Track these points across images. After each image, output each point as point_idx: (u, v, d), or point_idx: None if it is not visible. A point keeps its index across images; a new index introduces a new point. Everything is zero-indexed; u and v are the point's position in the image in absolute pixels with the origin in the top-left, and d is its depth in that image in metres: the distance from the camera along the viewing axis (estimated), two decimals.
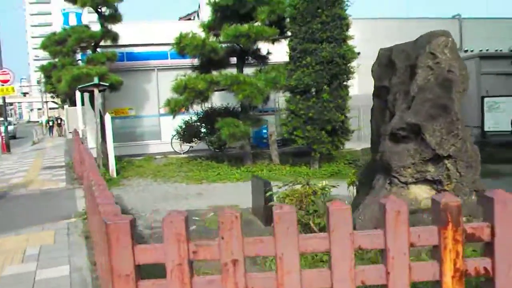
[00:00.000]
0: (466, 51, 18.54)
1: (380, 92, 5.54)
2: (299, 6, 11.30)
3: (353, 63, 11.57)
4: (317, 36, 11.24)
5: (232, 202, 8.82)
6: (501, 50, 17.89)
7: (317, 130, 11.46)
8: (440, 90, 4.79)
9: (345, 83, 11.66)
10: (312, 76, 11.23)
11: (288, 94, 12.14)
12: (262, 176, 11.47)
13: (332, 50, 11.17)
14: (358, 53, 12.22)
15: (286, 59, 12.41)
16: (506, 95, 14.95)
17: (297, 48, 11.55)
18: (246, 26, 11.21)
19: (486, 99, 14.75)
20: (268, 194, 5.40)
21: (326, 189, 5.25)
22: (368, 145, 15.77)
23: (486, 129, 14.78)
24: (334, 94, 11.48)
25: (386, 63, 5.43)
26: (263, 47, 13.23)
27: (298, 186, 5.48)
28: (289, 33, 12.27)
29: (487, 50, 17.76)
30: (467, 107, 16.98)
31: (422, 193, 5.04)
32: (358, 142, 15.78)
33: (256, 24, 11.55)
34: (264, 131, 16.14)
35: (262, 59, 13.39)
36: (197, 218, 7.03)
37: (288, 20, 12.03)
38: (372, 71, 5.68)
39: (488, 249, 2.27)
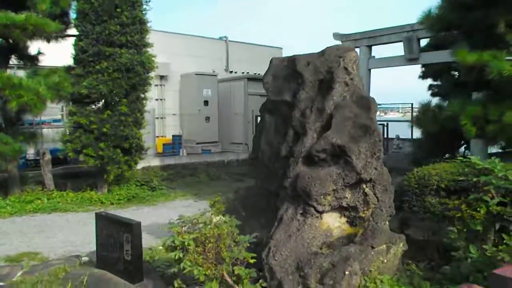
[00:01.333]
0: (231, 72, 19.55)
1: (276, 107, 4.80)
2: (94, 1, 9.47)
3: (152, 74, 10.40)
4: (115, 39, 9.63)
5: (24, 248, 6.49)
6: (259, 74, 19.58)
7: (112, 148, 9.78)
8: (359, 108, 4.40)
9: (143, 95, 10.36)
10: (109, 84, 9.52)
11: (72, 104, 10.00)
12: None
13: (132, 56, 9.75)
14: None
15: (62, 62, 10.27)
16: None
17: (89, 51, 9.63)
18: (23, 15, 8.65)
19: (259, 118, 15.65)
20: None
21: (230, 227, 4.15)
22: (150, 163, 14.53)
23: None
24: (132, 107, 10.05)
25: (286, 74, 4.75)
26: (33, 45, 10.60)
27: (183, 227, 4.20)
28: (73, 31, 10.19)
29: (247, 72, 19.13)
30: (234, 125, 17.83)
31: (333, 222, 4.53)
32: None
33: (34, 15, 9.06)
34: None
35: (31, 60, 10.71)
36: (1, 284, 4.71)
37: (75, 16, 9.96)
38: (265, 82, 4.89)
39: None
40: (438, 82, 21.37)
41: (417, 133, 20.01)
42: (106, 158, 9.71)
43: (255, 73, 19.51)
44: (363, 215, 4.43)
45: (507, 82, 5.66)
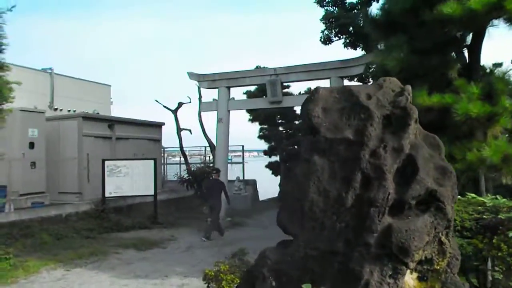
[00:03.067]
0: (56, 109, 16.68)
1: (331, 147, 3.93)
2: None
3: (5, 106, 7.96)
4: None
5: None
6: (87, 112, 17.21)
7: None
8: (429, 148, 3.96)
9: None
10: None
11: None
12: None
13: None
14: None
15: None
16: (127, 159, 14.47)
17: None
18: None
19: (107, 162, 13.63)
20: None
21: None
22: None
23: (107, 194, 13.55)
24: None
25: (342, 108, 3.97)
26: None
27: None
28: None
29: (74, 111, 16.61)
30: (65, 172, 15.08)
31: (408, 279, 3.88)
32: None
33: None
34: None
35: None
36: None
37: None
38: (314, 116, 3.99)
39: None
40: (265, 126, 22.77)
41: (249, 175, 20.50)
42: None
43: (83, 111, 17.20)
44: (438, 267, 3.91)
45: (464, 123, 6.08)
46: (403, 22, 6.86)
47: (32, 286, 7.29)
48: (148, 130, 18.18)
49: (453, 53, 6.39)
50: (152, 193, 14.05)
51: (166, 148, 20.73)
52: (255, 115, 21.02)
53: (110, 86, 20.02)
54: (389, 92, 4.09)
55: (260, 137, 22.37)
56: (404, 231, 3.53)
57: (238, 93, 23.45)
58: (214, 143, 18.76)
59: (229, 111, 14.12)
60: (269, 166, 24.05)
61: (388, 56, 6.35)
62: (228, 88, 14.08)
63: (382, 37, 7.34)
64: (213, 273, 4.32)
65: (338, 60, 12.45)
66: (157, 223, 13.80)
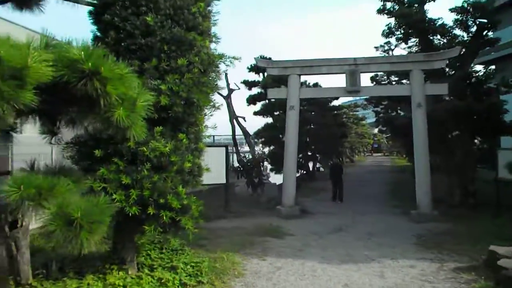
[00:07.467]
0: None
1: None
2: None
3: None
4: (198, 23, 6.35)
5: None
6: None
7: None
8: None
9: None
10: (194, 91, 6.15)
11: None
12: None
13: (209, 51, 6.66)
14: None
15: None
16: None
17: (161, 33, 5.93)
18: None
19: None
20: None
21: None
22: None
23: None
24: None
25: None
26: None
27: None
28: None
29: None
30: None
31: None
32: None
33: None
34: None
35: None
36: None
37: None
38: None
39: None
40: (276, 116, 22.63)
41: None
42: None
43: None
44: None
45: None
46: None
47: (271, 277, 6.76)
48: None
49: None
50: (224, 181, 13.40)
51: None
52: (264, 106, 20.94)
53: None
54: None
55: (269, 126, 22.32)
56: None
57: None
58: (248, 132, 18.41)
59: (300, 98, 13.93)
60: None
61: None
62: (299, 76, 13.86)
63: None
64: None
65: (421, 54, 12.95)
66: (230, 212, 13.27)
